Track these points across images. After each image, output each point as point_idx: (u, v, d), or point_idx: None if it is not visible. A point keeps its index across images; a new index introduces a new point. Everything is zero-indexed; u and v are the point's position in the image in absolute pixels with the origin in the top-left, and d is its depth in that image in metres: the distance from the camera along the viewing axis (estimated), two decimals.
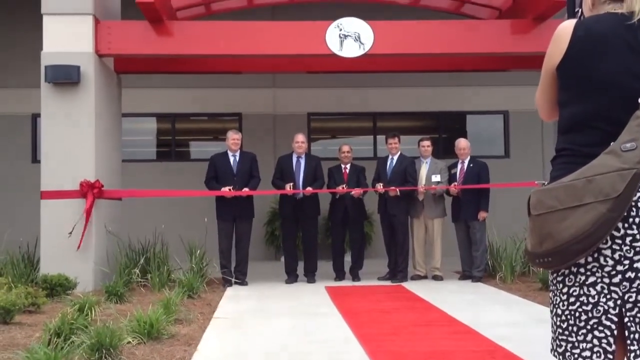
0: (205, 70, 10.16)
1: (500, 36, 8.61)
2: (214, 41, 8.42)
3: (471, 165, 8.81)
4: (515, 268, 8.36)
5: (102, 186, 7.97)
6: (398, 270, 8.67)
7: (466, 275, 8.72)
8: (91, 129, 8.02)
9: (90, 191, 7.83)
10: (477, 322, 5.66)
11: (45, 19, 8.10)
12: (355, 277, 8.81)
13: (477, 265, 8.55)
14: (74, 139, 7.96)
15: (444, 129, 12.97)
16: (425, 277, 8.87)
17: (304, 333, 5.45)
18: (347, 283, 8.65)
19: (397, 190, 8.57)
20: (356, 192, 8.67)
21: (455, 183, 8.70)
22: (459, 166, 8.88)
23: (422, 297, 7.24)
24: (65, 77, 7.91)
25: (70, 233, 7.74)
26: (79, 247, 7.71)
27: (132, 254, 8.14)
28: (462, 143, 8.95)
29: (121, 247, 8.10)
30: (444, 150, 11.80)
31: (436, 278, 8.78)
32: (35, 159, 11.61)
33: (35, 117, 11.52)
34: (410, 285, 8.26)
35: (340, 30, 8.36)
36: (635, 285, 1.98)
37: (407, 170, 8.76)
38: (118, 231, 8.38)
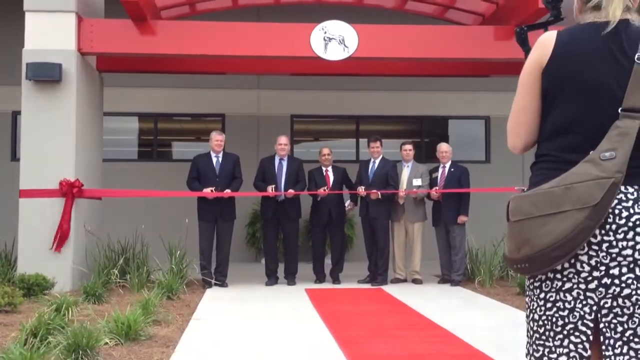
0: (189, 71, 10.12)
1: (484, 42, 8.68)
2: (198, 41, 8.40)
3: (452, 169, 8.86)
4: (494, 272, 8.44)
5: (82, 185, 7.91)
6: (378, 273, 8.69)
7: (445, 279, 8.76)
8: (72, 127, 7.96)
9: (69, 190, 7.77)
10: (455, 326, 5.69)
11: (28, 15, 8.02)
12: (336, 279, 8.82)
13: (456, 270, 8.60)
14: (54, 138, 7.89)
15: (426, 133, 13.03)
16: (405, 281, 8.91)
17: (283, 335, 5.44)
18: (327, 286, 8.66)
19: (379, 193, 8.60)
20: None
21: (437, 187, 8.75)
22: (440, 170, 8.92)
23: (402, 301, 7.27)
24: (47, 75, 7.84)
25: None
26: (57, 247, 7.63)
27: (112, 254, 8.08)
28: (443, 147, 9.00)
29: (100, 247, 8.04)
30: (426, 155, 11.87)
31: (416, 281, 8.81)
32: (15, 157, 11.50)
33: (16, 115, 11.42)
34: (390, 289, 8.28)
35: (325, 33, 8.37)
36: (610, 291, 2.00)
37: (388, 173, 8.78)
38: (97, 231, 8.32)
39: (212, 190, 8.31)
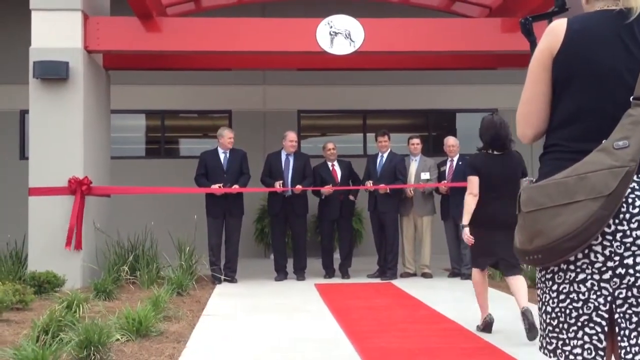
0: (195, 67, 10.12)
1: (491, 34, 8.64)
2: (204, 38, 8.39)
3: (460, 163, 8.84)
4: None
5: (91, 183, 7.93)
6: (387, 267, 8.69)
7: (455, 272, 8.74)
8: (80, 125, 7.97)
9: (78, 188, 7.79)
10: (466, 320, 5.68)
11: (34, 14, 8.04)
12: (345, 274, 8.82)
13: (466, 263, 8.57)
14: (62, 136, 7.91)
15: (434, 127, 13.00)
16: (414, 275, 8.90)
17: (293, 330, 5.44)
18: (336, 280, 8.66)
19: (387, 188, 8.58)
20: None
21: (445, 181, 8.73)
22: (448, 164, 8.90)
23: (412, 295, 7.26)
24: (54, 73, 7.85)
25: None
26: (72, 245, 7.67)
27: (121, 251, 8.10)
28: (450, 140, 8.98)
29: (110, 244, 8.06)
30: (434, 148, 11.83)
31: (425, 275, 8.80)
32: (23, 156, 11.53)
33: (24, 114, 11.46)
34: (399, 283, 8.28)
35: (331, 27, 8.35)
36: (625, 281, 1.97)
37: (397, 167, 8.77)
38: (107, 228, 8.34)
39: (220, 187, 8.32)
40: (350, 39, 8.37)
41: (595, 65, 2.04)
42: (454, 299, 6.96)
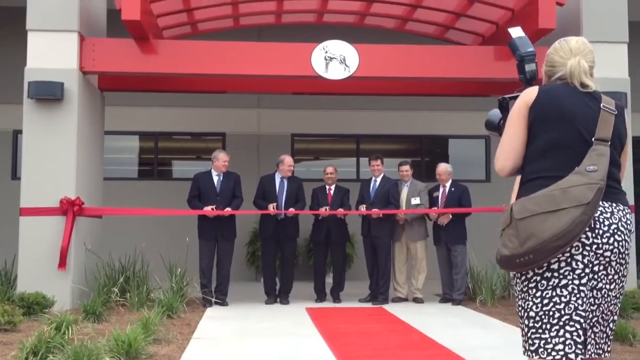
0: (190, 90, 10.15)
1: (483, 62, 8.72)
2: (200, 60, 8.43)
3: (452, 189, 8.87)
4: (496, 292, 8.40)
5: (83, 203, 7.90)
6: (379, 292, 8.66)
7: (447, 298, 8.73)
8: (73, 146, 7.97)
9: (70, 209, 7.76)
10: (457, 345, 5.66)
11: (30, 35, 8.07)
12: (337, 298, 8.79)
13: (457, 288, 8.58)
14: (55, 156, 7.89)
15: (427, 153, 13.05)
16: (406, 300, 8.87)
17: (284, 355, 5.41)
18: (328, 304, 8.62)
19: (380, 212, 8.59)
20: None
21: (436, 207, 8.75)
22: (441, 190, 8.92)
23: (403, 320, 7.23)
24: (49, 94, 7.86)
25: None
26: (61, 266, 7.61)
27: (112, 272, 8.04)
28: (441, 168, 8.99)
29: (100, 266, 8.01)
30: (427, 174, 11.86)
31: (417, 300, 8.78)
32: (15, 176, 11.50)
33: (17, 134, 11.44)
34: (391, 308, 8.25)
35: (326, 52, 8.42)
36: (590, 284, 2.53)
37: (390, 192, 8.79)
38: (98, 249, 8.30)
39: (212, 209, 8.31)
40: (345, 64, 8.43)
41: (563, 109, 2.61)
42: (445, 325, 6.94)
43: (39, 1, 8.02)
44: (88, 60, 8.22)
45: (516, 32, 2.90)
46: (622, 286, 2.63)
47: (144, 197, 11.61)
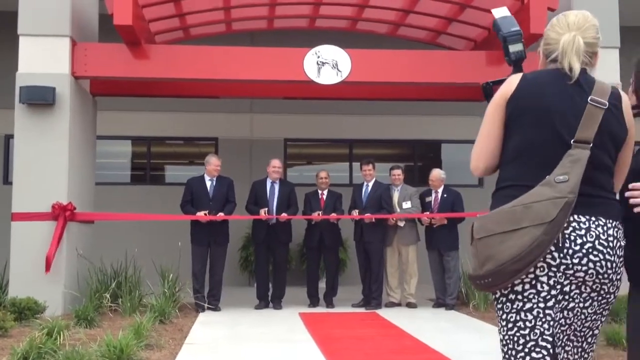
0: (182, 94, 10.15)
1: (475, 67, 8.74)
2: (192, 65, 8.42)
3: (445, 195, 8.88)
4: (489, 296, 8.39)
5: (75, 209, 7.87)
6: (372, 297, 8.66)
7: (440, 303, 8.73)
8: (65, 151, 7.94)
9: (62, 214, 7.73)
10: (450, 350, 5.67)
11: (22, 39, 8.05)
12: (329, 303, 8.78)
13: (450, 293, 8.58)
14: (47, 161, 7.87)
15: (419, 157, 13.08)
16: (399, 305, 8.87)
17: None
18: (321, 309, 8.61)
19: (373, 217, 8.60)
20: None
21: (428, 212, 8.76)
22: (433, 195, 8.94)
23: (396, 325, 7.23)
24: (40, 99, 7.84)
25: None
26: (47, 270, 7.57)
27: (104, 277, 8.02)
28: (434, 175, 9.00)
29: (92, 271, 7.98)
30: (420, 179, 11.88)
31: (410, 305, 8.78)
32: (7, 181, 11.45)
33: (8, 138, 11.40)
34: (384, 313, 8.25)
35: (318, 57, 8.43)
36: (561, 305, 2.24)
37: (382, 197, 8.80)
38: (90, 254, 8.26)
39: (205, 214, 8.29)
40: (338, 69, 8.45)
41: (542, 106, 2.29)
42: (438, 330, 6.95)
43: (31, 6, 8.00)
44: (80, 65, 8.20)
45: (499, 12, 2.64)
46: (607, 302, 2.31)
47: (136, 202, 11.57)
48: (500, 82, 2.47)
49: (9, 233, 7.81)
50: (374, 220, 8.62)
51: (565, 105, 2.28)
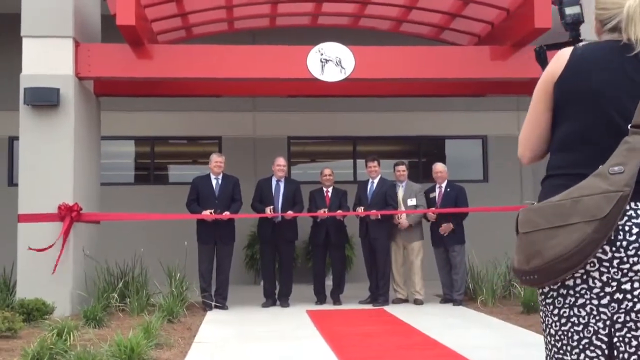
0: (185, 94, 10.14)
1: (480, 62, 8.73)
2: (195, 65, 8.42)
3: (448, 189, 8.87)
4: (497, 291, 8.38)
5: (81, 209, 7.88)
6: (379, 293, 8.66)
7: (447, 298, 8.72)
8: (70, 152, 7.95)
9: (68, 214, 7.74)
10: (459, 345, 5.66)
11: (25, 41, 8.05)
12: (337, 300, 8.77)
13: (457, 289, 8.57)
14: (52, 162, 7.87)
15: (423, 154, 13.06)
16: (406, 301, 8.86)
17: (286, 357, 5.40)
18: (328, 307, 8.61)
19: (378, 214, 8.59)
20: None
21: (434, 208, 8.75)
22: (437, 190, 8.93)
23: (404, 321, 7.23)
24: (45, 100, 7.84)
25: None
26: (54, 271, 7.58)
27: (111, 278, 8.02)
28: (438, 167, 9.01)
29: (99, 271, 7.99)
30: (424, 175, 11.87)
31: (417, 302, 8.77)
32: (12, 182, 11.45)
33: (13, 140, 11.41)
34: (391, 309, 8.24)
35: (322, 54, 8.42)
36: (623, 306, 2.00)
37: (387, 193, 8.79)
38: (96, 255, 8.28)
39: (211, 212, 8.29)
40: (341, 66, 8.44)
41: (594, 90, 2.06)
42: (447, 325, 6.94)
43: (33, 7, 8.01)
44: (83, 65, 8.20)
45: None
46: None
47: (140, 202, 11.58)
48: (555, 47, 2.25)
49: (15, 234, 7.82)
50: (379, 216, 8.61)
51: (621, 86, 2.03)
